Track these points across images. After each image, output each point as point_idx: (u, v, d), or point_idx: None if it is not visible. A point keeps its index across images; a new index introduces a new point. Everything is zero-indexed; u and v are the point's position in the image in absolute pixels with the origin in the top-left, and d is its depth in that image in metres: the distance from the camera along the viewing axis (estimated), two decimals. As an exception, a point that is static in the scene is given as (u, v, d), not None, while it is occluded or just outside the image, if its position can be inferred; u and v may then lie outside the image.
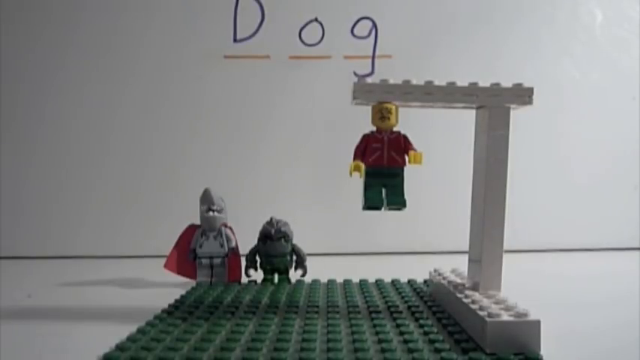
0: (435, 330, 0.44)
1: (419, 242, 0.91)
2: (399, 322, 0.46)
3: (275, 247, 0.63)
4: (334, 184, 0.85)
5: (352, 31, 0.89)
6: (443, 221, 0.88)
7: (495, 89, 0.47)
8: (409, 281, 0.64)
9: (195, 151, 0.90)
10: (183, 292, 0.59)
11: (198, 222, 0.66)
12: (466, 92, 0.47)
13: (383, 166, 0.48)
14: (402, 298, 0.56)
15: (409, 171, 0.48)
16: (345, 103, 0.50)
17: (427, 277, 0.61)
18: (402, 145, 0.48)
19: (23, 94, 0.90)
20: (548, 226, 0.92)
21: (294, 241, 0.65)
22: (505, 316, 0.40)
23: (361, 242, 0.91)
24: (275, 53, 0.89)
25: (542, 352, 0.39)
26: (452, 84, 0.47)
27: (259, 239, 0.64)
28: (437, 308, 0.51)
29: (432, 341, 0.41)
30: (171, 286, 0.64)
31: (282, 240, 0.63)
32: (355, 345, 0.40)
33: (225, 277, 0.64)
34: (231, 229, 0.66)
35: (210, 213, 0.64)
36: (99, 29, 0.90)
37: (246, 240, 0.65)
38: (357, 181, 0.49)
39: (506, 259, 0.48)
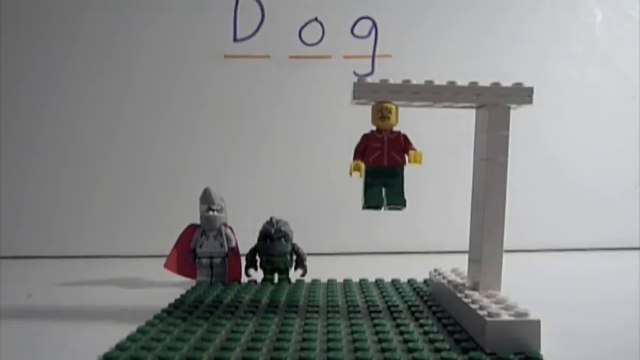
0: (435, 330, 0.44)
1: (419, 242, 0.91)
2: (399, 322, 0.46)
3: (275, 247, 0.63)
4: (334, 184, 0.85)
5: (352, 31, 0.89)
6: (443, 221, 0.88)
7: (495, 89, 0.47)
8: (409, 281, 0.64)
9: (196, 151, 0.90)
10: (183, 292, 0.59)
11: (198, 222, 0.66)
12: (466, 92, 0.47)
13: (383, 166, 0.48)
14: (402, 298, 0.56)
15: (409, 171, 0.48)
16: (345, 103, 0.50)
17: (427, 277, 0.61)
18: (401, 145, 0.48)
19: (24, 94, 0.90)
20: (548, 226, 0.92)
21: (294, 241, 0.65)
22: (505, 316, 0.40)
23: (361, 242, 0.91)
24: (275, 53, 0.89)
25: (542, 352, 0.39)
26: (452, 84, 0.47)
27: (259, 239, 0.64)
28: (437, 308, 0.51)
29: (432, 341, 0.41)
30: (171, 286, 0.64)
31: (282, 240, 0.63)
32: (355, 345, 0.40)
33: (225, 277, 0.64)
34: (231, 228, 0.66)
35: (210, 213, 0.64)
36: (99, 29, 0.90)
37: (246, 240, 0.65)
38: (357, 181, 0.49)
39: (506, 259, 0.48)
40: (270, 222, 0.64)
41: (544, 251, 0.91)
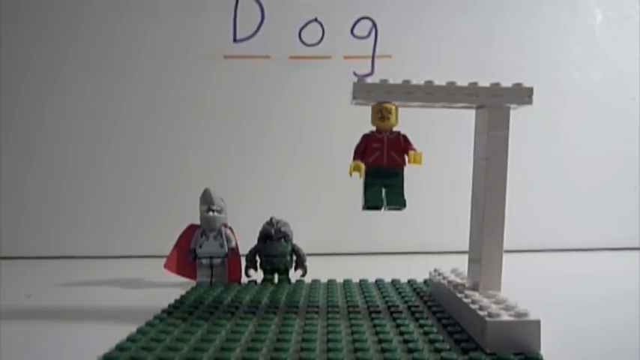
0: (435, 330, 0.44)
1: (419, 242, 0.91)
2: (399, 322, 0.46)
3: (275, 247, 0.63)
4: (334, 184, 0.85)
5: (352, 31, 0.89)
6: (443, 221, 0.88)
7: (495, 89, 0.47)
8: (409, 281, 0.64)
9: (195, 151, 0.90)
10: (183, 292, 0.59)
11: (198, 222, 0.66)
12: (466, 92, 0.47)
13: (383, 166, 0.48)
14: (402, 298, 0.56)
15: (409, 171, 0.48)
16: (345, 103, 0.50)
17: (427, 277, 0.61)
18: (401, 145, 0.48)
19: (24, 94, 0.90)
20: (548, 226, 0.92)
21: (294, 241, 0.65)
22: (505, 316, 0.40)
23: (361, 242, 0.91)
24: (275, 53, 0.89)
25: (542, 352, 0.39)
26: (452, 84, 0.47)
27: (259, 239, 0.64)
28: (437, 308, 0.51)
29: (432, 341, 0.41)
30: (171, 286, 0.64)
31: (282, 240, 0.63)
32: (355, 345, 0.40)
33: (225, 277, 0.64)
34: (231, 229, 0.66)
35: (210, 213, 0.64)
36: (99, 29, 0.90)
37: (246, 240, 0.65)
38: (357, 181, 0.49)
39: (506, 259, 0.48)
40: (270, 222, 0.64)
41: (544, 251, 0.91)
